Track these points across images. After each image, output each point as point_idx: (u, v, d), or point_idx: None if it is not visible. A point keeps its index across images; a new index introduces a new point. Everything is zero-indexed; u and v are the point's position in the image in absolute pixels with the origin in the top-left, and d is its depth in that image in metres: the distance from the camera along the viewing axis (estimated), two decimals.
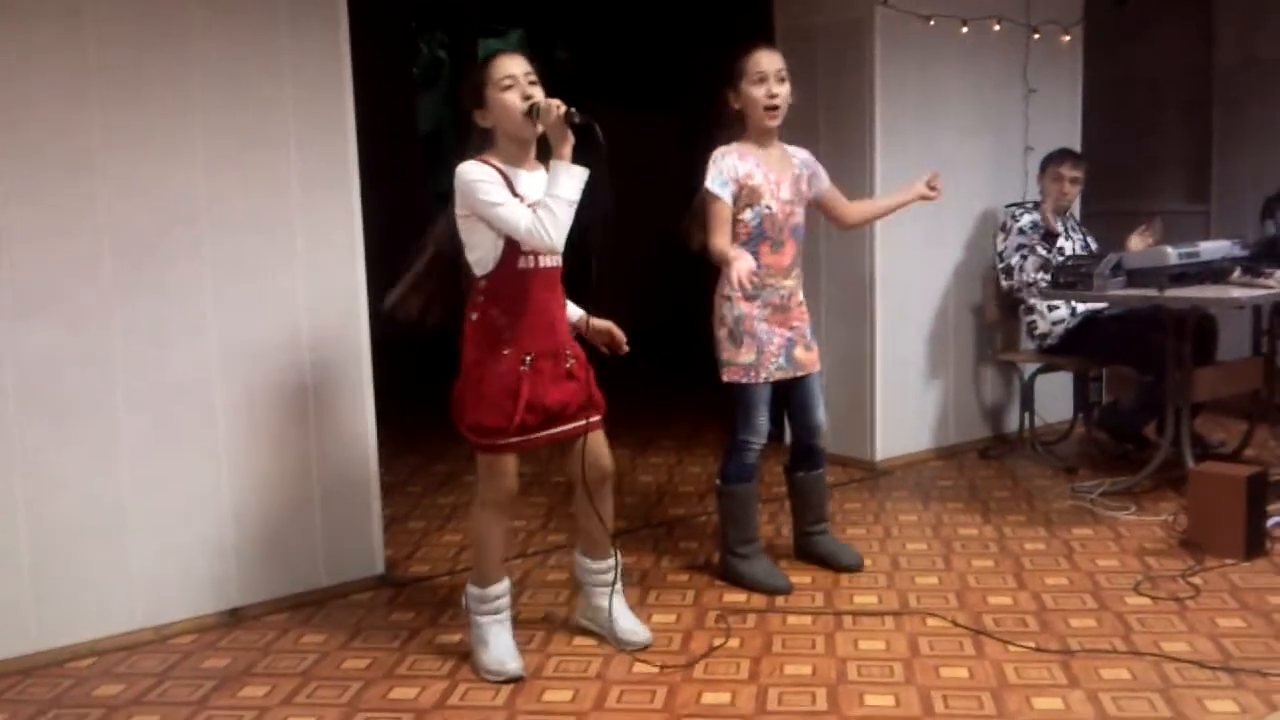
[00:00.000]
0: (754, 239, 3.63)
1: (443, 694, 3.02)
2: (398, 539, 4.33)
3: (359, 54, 3.74)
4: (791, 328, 3.70)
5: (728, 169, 3.60)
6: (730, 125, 3.69)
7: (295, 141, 3.60)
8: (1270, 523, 3.99)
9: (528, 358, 3.01)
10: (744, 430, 3.70)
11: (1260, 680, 2.92)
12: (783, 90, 3.59)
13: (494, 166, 2.98)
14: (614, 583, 3.31)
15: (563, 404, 3.08)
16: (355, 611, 3.64)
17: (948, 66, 5.27)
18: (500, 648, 3.12)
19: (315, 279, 3.68)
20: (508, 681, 3.05)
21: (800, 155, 3.79)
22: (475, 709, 2.92)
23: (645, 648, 3.24)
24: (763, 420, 3.70)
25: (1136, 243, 4.98)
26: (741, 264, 3.42)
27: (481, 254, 3.01)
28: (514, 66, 2.97)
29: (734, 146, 3.65)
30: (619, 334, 3.33)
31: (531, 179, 3.01)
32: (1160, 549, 3.98)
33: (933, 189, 3.89)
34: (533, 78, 2.98)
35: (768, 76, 3.57)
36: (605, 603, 3.31)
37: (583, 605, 3.39)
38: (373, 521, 3.86)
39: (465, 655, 3.23)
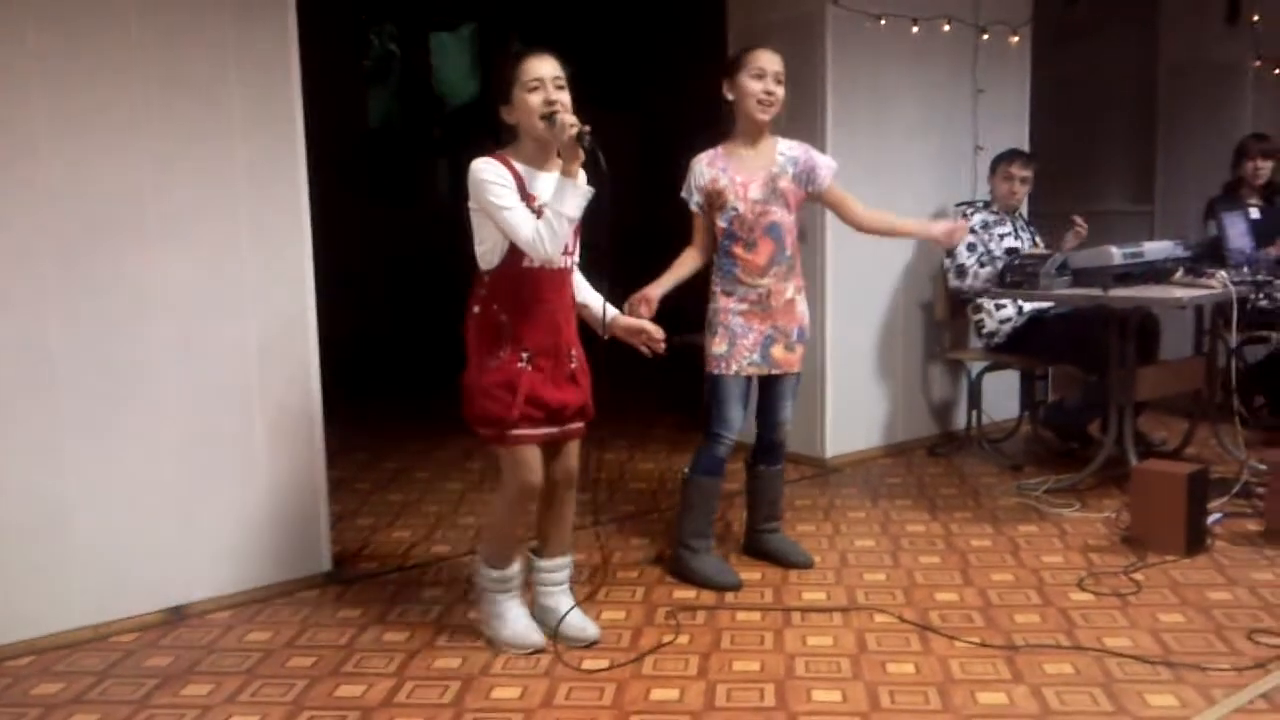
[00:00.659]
0: (727, 238, 3.69)
1: (389, 692, 2.99)
2: (345, 536, 4.30)
3: (308, 46, 3.69)
4: (774, 325, 3.71)
5: (696, 177, 3.70)
6: (722, 122, 3.74)
7: (241, 132, 3.55)
8: (1210, 519, 4.06)
9: (525, 354, 3.04)
10: (715, 423, 3.72)
11: (1200, 675, 2.96)
12: (779, 90, 3.63)
13: (509, 165, 3.00)
14: (567, 580, 3.34)
15: (562, 405, 3.11)
16: (301, 609, 3.60)
17: (898, 66, 5.31)
18: (519, 622, 3.21)
19: (262, 272, 3.63)
20: (533, 652, 3.15)
21: (792, 153, 3.75)
22: (422, 707, 2.90)
23: (594, 644, 3.24)
24: (734, 414, 3.71)
25: (1070, 243, 5.09)
26: (647, 290, 3.56)
27: (488, 248, 3.04)
28: (543, 69, 2.99)
29: (709, 152, 3.72)
30: (654, 330, 3.31)
31: (549, 180, 3.02)
32: (1103, 545, 4.03)
33: (948, 238, 3.91)
34: (560, 82, 2.99)
35: (766, 74, 3.62)
36: (553, 602, 3.31)
37: (536, 610, 3.38)
38: (320, 518, 3.82)
39: (413, 653, 3.21)
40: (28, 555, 3.27)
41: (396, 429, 6.16)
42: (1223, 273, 4.56)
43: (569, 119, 2.91)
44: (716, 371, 3.69)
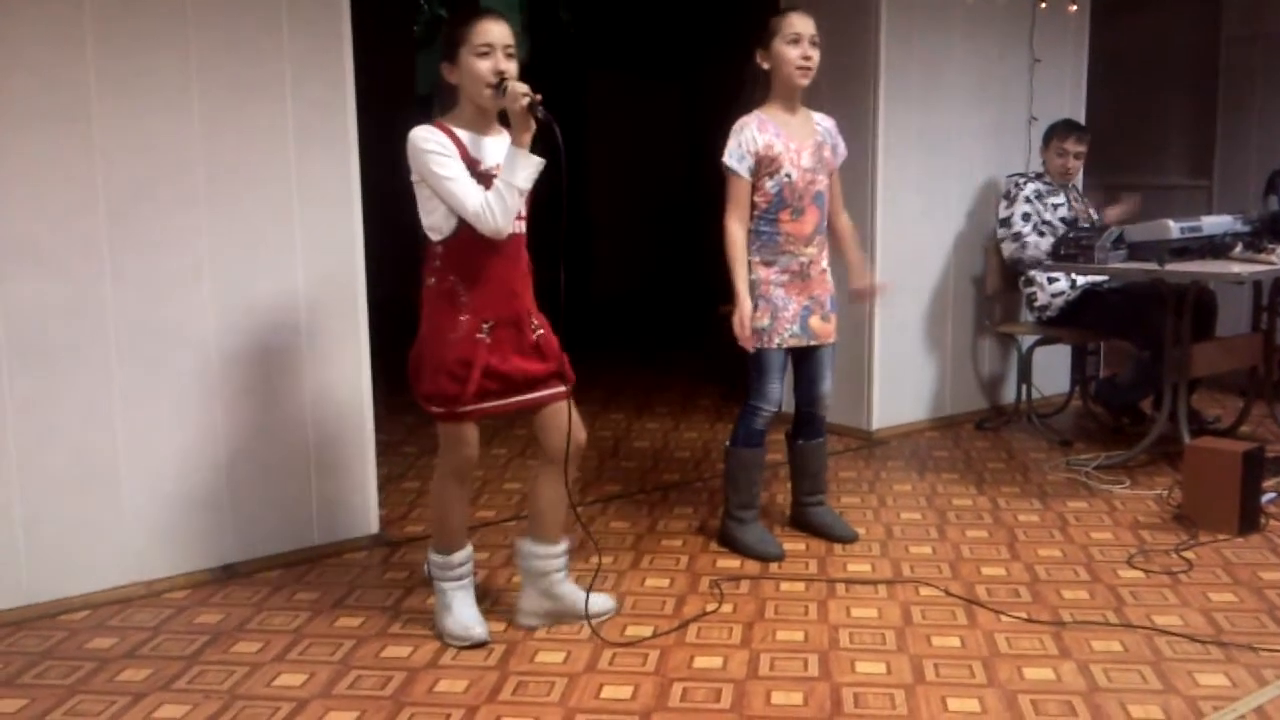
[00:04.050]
0: (774, 206, 3.62)
1: (435, 653, 3.02)
2: (392, 499, 4.34)
3: (358, 10, 3.69)
4: (811, 296, 3.69)
5: (746, 141, 3.58)
6: (756, 87, 3.66)
7: (292, 95, 3.56)
8: (1265, 499, 4.00)
9: (486, 325, 2.94)
10: (755, 395, 3.70)
11: (1251, 655, 2.93)
12: (816, 54, 3.59)
13: (449, 133, 2.90)
14: (565, 567, 3.19)
15: (527, 373, 3.00)
16: (349, 570, 3.64)
17: (953, 35, 5.23)
18: (465, 614, 3.09)
19: (312, 234, 3.65)
20: (473, 646, 3.03)
21: (825, 124, 3.77)
22: (468, 669, 2.92)
23: (615, 612, 3.23)
24: (775, 386, 3.69)
25: (1113, 214, 4.99)
26: (743, 310, 3.56)
27: (437, 220, 2.93)
28: (495, 34, 2.87)
29: (755, 115, 3.63)
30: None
31: (495, 144, 2.94)
32: (1154, 523, 3.98)
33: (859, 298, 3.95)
34: (511, 50, 2.89)
35: (802, 38, 3.56)
36: (562, 590, 3.17)
37: (529, 604, 3.18)
38: (367, 480, 3.85)
39: None
40: (81, 511, 3.33)
41: None
42: None
43: (520, 88, 2.80)
44: (758, 345, 3.66)
